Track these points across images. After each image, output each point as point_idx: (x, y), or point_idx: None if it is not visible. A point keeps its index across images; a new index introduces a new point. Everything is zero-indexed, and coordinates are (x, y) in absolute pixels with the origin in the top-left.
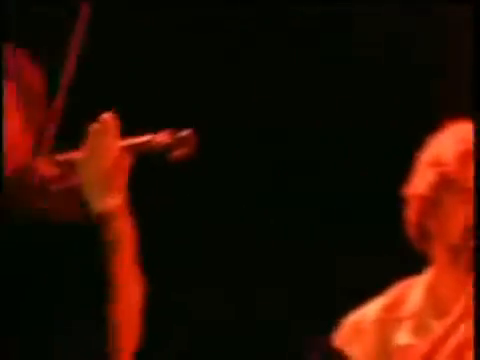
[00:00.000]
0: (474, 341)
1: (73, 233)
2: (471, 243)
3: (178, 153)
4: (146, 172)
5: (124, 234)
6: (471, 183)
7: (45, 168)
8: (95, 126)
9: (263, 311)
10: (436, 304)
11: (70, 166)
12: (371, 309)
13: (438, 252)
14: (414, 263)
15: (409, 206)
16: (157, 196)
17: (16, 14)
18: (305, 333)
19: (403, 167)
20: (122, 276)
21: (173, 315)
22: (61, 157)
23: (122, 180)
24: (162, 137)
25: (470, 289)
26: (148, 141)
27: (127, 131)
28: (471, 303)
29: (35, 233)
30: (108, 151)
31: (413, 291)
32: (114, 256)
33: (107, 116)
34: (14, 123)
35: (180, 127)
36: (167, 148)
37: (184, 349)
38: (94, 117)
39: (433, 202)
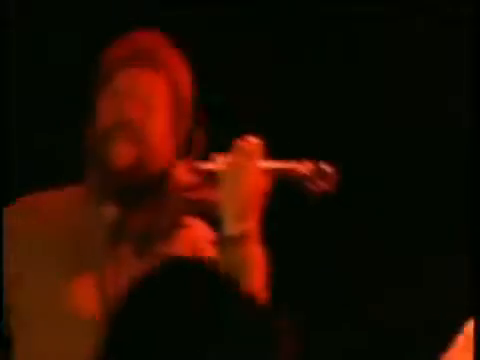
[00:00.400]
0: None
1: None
2: None
3: (318, 187)
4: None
5: (255, 258)
6: None
7: (183, 174)
8: (242, 145)
9: None
10: None
11: (209, 177)
12: None
13: None
14: None
15: None
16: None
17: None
18: None
19: None
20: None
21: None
22: (202, 166)
23: (259, 202)
24: (305, 167)
25: None
26: (292, 169)
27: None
28: None
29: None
30: (251, 172)
31: None
32: (241, 280)
33: (254, 139)
34: (162, 117)
35: (320, 156)
36: (308, 179)
37: None
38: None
39: None
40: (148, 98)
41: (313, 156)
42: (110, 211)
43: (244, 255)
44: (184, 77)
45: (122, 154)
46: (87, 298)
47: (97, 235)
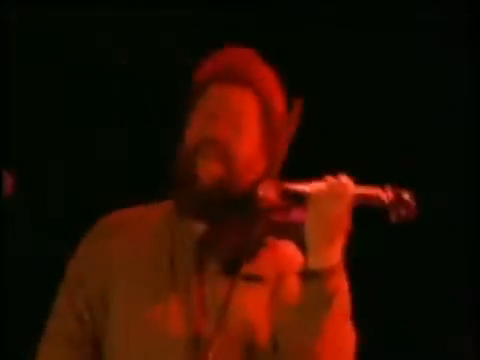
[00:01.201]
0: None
1: None
2: None
3: (399, 215)
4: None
5: (343, 287)
6: None
7: (271, 194)
8: (335, 182)
9: None
10: None
11: (296, 198)
12: None
13: None
14: None
15: None
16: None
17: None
18: None
19: None
20: (336, 327)
21: None
22: (293, 187)
23: (346, 233)
24: (386, 195)
25: None
26: (375, 196)
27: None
28: None
29: None
30: (346, 202)
31: None
32: (329, 310)
33: (347, 180)
34: (252, 137)
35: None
36: (387, 207)
37: None
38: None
39: None
40: (237, 116)
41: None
42: (198, 228)
43: (333, 288)
44: (275, 94)
45: (209, 171)
46: (176, 318)
47: (186, 253)
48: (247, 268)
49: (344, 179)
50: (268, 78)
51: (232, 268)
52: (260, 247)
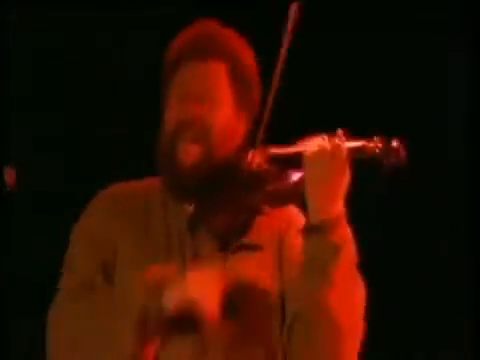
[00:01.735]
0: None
1: None
2: None
3: (390, 163)
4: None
5: (348, 238)
6: None
7: (259, 162)
8: (328, 141)
9: None
10: None
11: (285, 162)
12: None
13: None
14: None
15: None
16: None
17: None
18: None
19: None
20: (345, 279)
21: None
22: (276, 151)
23: (346, 185)
24: (377, 144)
25: None
26: (366, 146)
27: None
28: None
29: None
30: (342, 156)
31: None
32: (338, 260)
33: (342, 134)
34: (226, 108)
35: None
36: (377, 157)
37: None
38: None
39: None
40: (207, 90)
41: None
42: (189, 209)
43: (339, 236)
44: (248, 61)
45: (188, 153)
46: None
47: (180, 233)
48: (244, 239)
49: (338, 136)
50: (233, 42)
51: (225, 243)
52: (256, 216)
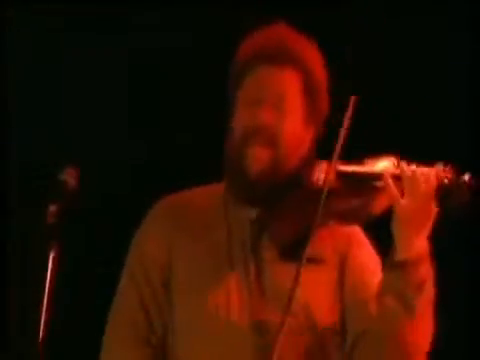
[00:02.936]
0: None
1: None
2: None
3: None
4: None
5: (431, 274)
6: None
7: (330, 177)
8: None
9: None
10: None
11: (357, 182)
12: None
13: None
14: None
15: None
16: None
17: None
18: None
19: None
20: (424, 313)
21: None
22: (347, 169)
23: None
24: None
25: None
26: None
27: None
28: None
29: None
30: (432, 186)
31: None
32: (422, 295)
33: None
34: (296, 117)
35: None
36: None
37: None
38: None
39: None
40: (280, 97)
41: None
42: (252, 214)
43: (422, 276)
44: (320, 74)
45: (256, 160)
46: (238, 305)
47: (242, 239)
48: (306, 252)
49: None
50: (308, 52)
51: (291, 253)
52: (320, 231)
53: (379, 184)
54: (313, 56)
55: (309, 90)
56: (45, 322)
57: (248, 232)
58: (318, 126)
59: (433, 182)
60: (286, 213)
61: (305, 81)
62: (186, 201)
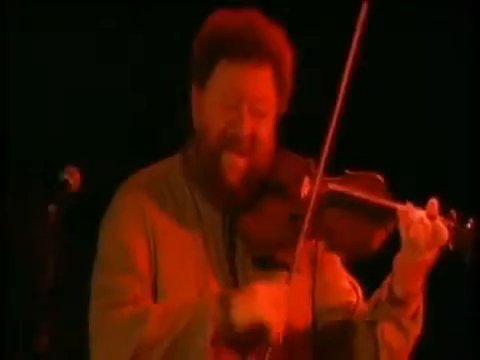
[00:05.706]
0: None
1: None
2: None
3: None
4: None
5: (421, 304)
6: None
7: (317, 192)
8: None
9: None
10: None
11: (352, 202)
12: None
13: None
14: None
15: None
16: None
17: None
18: None
19: None
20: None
21: None
22: (338, 188)
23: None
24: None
25: None
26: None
27: None
28: None
29: None
30: (441, 239)
31: None
32: (416, 323)
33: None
34: (272, 118)
35: None
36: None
37: None
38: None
39: None
40: (259, 101)
41: None
42: (225, 221)
43: (416, 307)
44: (288, 60)
45: (233, 168)
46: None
47: (214, 243)
48: (280, 259)
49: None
50: (281, 44)
51: (264, 261)
52: (297, 238)
53: (387, 220)
54: (285, 47)
55: (279, 82)
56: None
57: (221, 236)
58: (280, 115)
59: (445, 236)
60: (262, 220)
61: (276, 73)
62: (154, 190)
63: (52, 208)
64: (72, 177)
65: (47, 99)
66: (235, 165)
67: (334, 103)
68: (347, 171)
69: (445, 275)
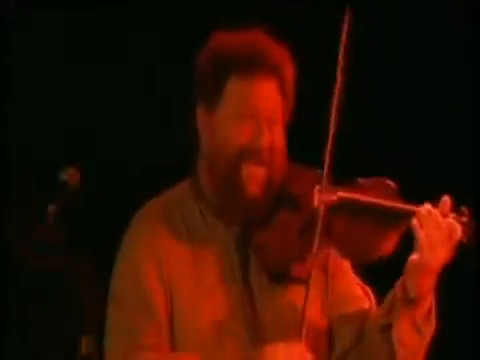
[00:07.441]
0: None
1: None
2: None
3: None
4: None
5: (433, 302)
6: None
7: (327, 202)
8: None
9: None
10: None
11: (363, 208)
12: None
13: None
14: None
15: None
16: None
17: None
18: None
19: None
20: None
21: None
22: (347, 195)
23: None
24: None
25: None
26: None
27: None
28: None
29: None
30: (455, 239)
31: None
32: (430, 321)
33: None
34: (282, 126)
35: None
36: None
37: None
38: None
39: None
40: (272, 112)
41: None
42: (234, 230)
43: (430, 305)
44: (292, 75)
45: (253, 179)
46: (235, 338)
47: (229, 262)
48: (295, 273)
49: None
50: (285, 58)
51: (279, 277)
52: (309, 252)
53: (400, 223)
54: (289, 61)
55: (284, 94)
56: None
57: (234, 254)
58: (286, 126)
59: (459, 233)
60: (276, 234)
61: (280, 86)
62: (168, 221)
63: (52, 208)
64: (72, 177)
65: (47, 99)
66: (255, 176)
67: (329, 110)
68: (358, 179)
69: (445, 275)
